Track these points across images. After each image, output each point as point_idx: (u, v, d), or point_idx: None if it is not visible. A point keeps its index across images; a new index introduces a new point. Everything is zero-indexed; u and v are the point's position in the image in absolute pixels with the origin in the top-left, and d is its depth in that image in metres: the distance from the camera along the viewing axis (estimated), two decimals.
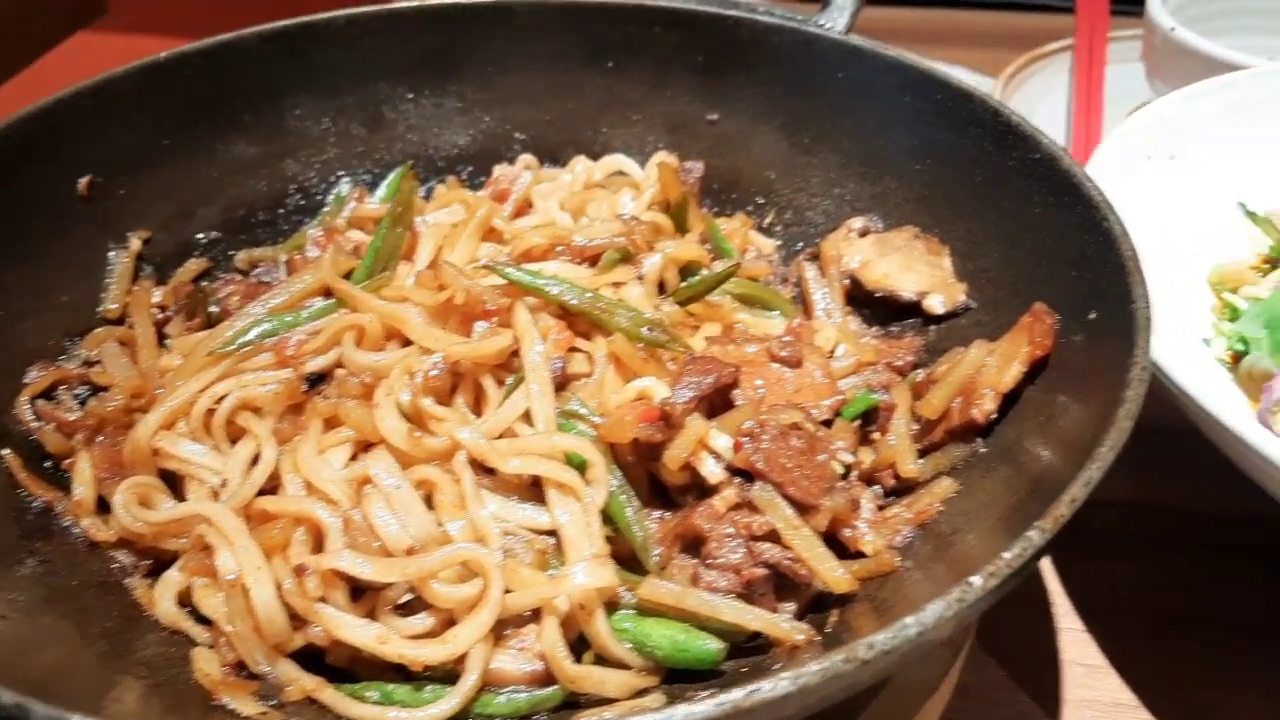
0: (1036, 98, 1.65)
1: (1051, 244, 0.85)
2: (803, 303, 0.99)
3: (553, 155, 1.15)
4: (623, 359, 0.82)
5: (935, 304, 0.92)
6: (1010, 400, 0.80)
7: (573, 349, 0.83)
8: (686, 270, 0.93)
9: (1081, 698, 0.89)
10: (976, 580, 0.53)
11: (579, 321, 0.84)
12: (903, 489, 0.80)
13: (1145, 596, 0.95)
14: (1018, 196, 0.89)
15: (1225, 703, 0.87)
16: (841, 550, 0.75)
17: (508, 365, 0.82)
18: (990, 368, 0.80)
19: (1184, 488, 1.02)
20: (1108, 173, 1.01)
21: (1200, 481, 0.98)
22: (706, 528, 0.73)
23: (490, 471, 0.76)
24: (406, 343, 0.84)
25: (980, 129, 0.94)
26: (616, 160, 1.11)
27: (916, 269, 0.95)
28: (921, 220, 0.98)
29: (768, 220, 1.09)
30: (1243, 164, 1.14)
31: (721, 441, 0.76)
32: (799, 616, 0.73)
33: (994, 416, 0.78)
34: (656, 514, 0.78)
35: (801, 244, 1.05)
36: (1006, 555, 0.55)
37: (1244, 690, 0.88)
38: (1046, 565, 0.99)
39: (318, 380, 0.84)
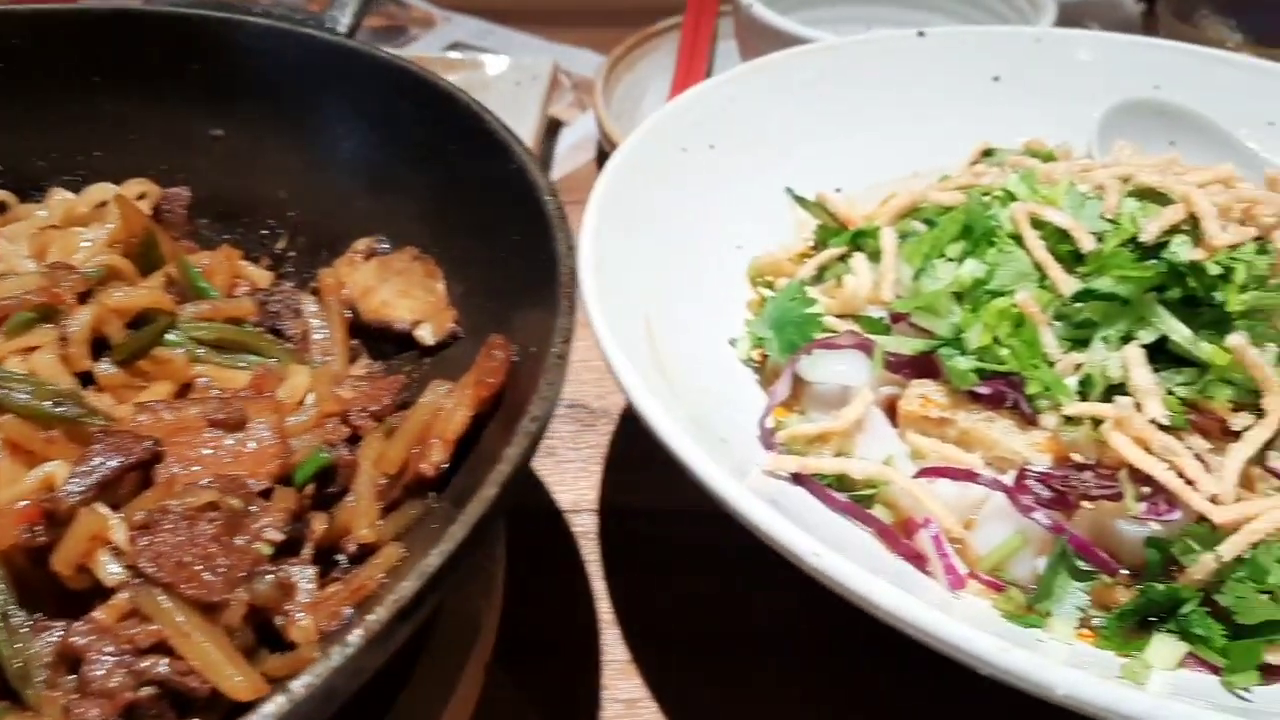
0: (649, 79, 1.61)
1: (522, 265, 0.77)
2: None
3: (38, 186, 0.99)
4: (20, 443, 0.70)
5: (425, 334, 0.84)
6: (474, 442, 0.73)
7: None
8: (143, 320, 0.81)
9: None
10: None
11: None
12: (366, 555, 0.72)
13: (697, 616, 0.91)
14: (498, 212, 0.82)
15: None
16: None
17: None
18: (444, 412, 0.72)
19: None
20: (629, 173, 0.95)
21: None
22: (83, 644, 0.62)
23: None
24: None
25: (466, 136, 0.86)
26: (102, 190, 0.96)
27: (414, 295, 0.86)
28: (423, 238, 0.90)
29: (281, 245, 0.98)
30: (791, 147, 1.11)
31: (123, 535, 0.65)
32: None
33: (445, 466, 0.71)
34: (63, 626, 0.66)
35: (314, 271, 0.95)
36: (297, 684, 0.46)
37: (801, 708, 0.84)
38: (600, 589, 0.94)
39: None
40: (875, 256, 0.95)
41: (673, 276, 0.93)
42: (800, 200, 1.08)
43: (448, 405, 0.72)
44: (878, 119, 1.15)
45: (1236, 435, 0.75)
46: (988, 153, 1.13)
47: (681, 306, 0.91)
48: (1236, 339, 0.74)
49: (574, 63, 1.75)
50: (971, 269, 0.83)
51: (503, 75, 1.50)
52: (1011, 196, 0.86)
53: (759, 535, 0.64)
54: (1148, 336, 0.77)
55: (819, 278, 0.98)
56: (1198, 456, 0.74)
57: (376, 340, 0.89)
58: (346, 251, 0.92)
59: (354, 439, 0.77)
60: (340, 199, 0.96)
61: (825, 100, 1.14)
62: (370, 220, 0.94)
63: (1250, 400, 0.76)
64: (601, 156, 1.51)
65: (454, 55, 1.55)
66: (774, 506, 0.72)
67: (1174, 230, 0.78)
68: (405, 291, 0.86)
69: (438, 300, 0.85)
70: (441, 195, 0.89)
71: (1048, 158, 1.10)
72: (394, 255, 0.90)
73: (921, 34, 1.18)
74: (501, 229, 0.81)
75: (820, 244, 1.04)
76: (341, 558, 0.73)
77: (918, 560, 0.75)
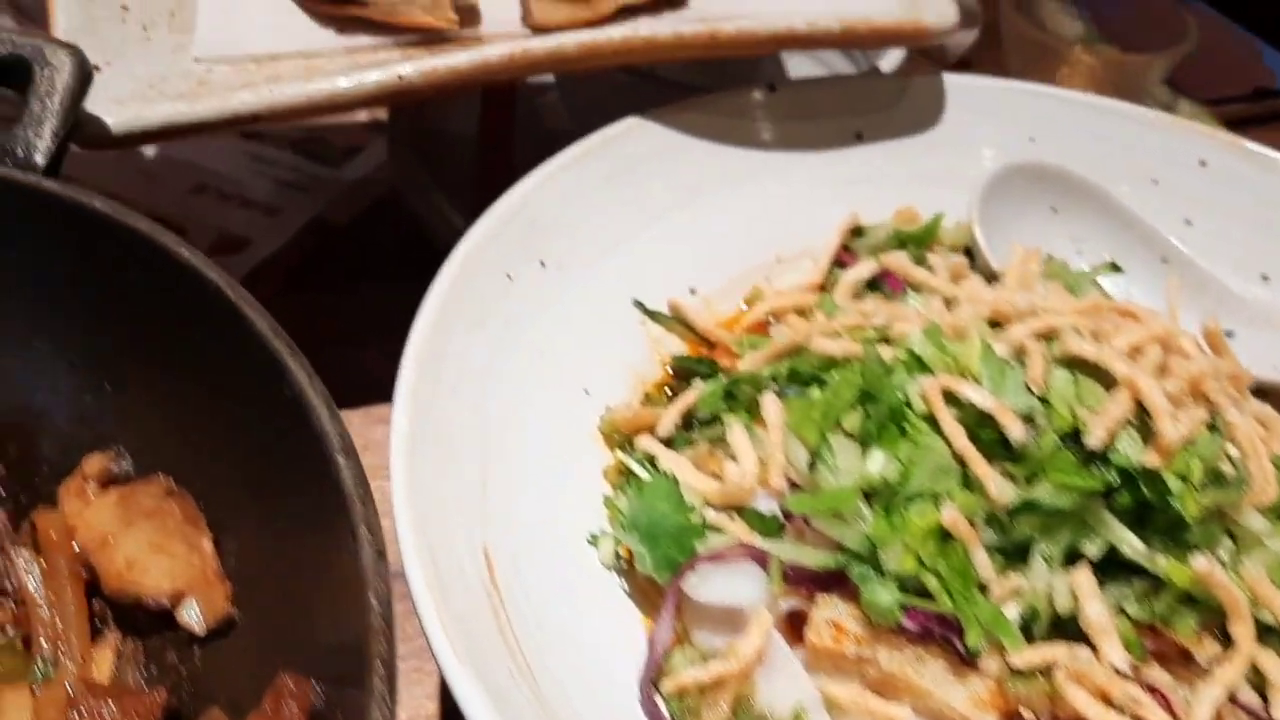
0: None
1: (315, 543, 0.58)
2: None
3: None
4: None
5: (192, 619, 0.62)
6: None
7: None
8: None
9: None
10: None
11: None
12: None
13: None
14: (276, 453, 0.61)
15: None
16: None
17: None
18: None
19: None
20: (443, 339, 0.75)
21: None
22: None
23: None
24: None
25: (220, 331, 0.64)
26: None
27: (171, 551, 0.64)
28: (174, 456, 0.68)
29: None
30: (634, 244, 0.93)
31: None
32: None
33: None
34: None
35: (28, 498, 0.71)
36: None
37: None
38: None
39: None
40: (753, 408, 0.79)
41: (513, 468, 0.74)
42: (651, 314, 0.90)
43: None
44: (729, 195, 0.98)
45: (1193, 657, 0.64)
46: (857, 231, 0.99)
47: (526, 505, 0.73)
48: (1203, 564, 0.62)
49: None
50: (881, 465, 0.68)
51: None
52: (916, 359, 0.71)
53: None
54: (1094, 550, 0.65)
55: (686, 429, 0.81)
56: (1163, 697, 0.62)
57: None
58: (75, 472, 0.70)
59: None
60: (60, 393, 0.72)
61: (667, 178, 0.96)
62: (102, 424, 0.71)
63: (1214, 619, 0.65)
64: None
65: None
66: None
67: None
68: (160, 545, 0.65)
69: (204, 564, 0.64)
70: (196, 403, 0.67)
71: (922, 237, 0.97)
72: (140, 486, 0.67)
73: (772, 88, 1.01)
74: (281, 474, 0.61)
75: (680, 374, 0.87)
76: None
77: None
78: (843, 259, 0.97)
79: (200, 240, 1.20)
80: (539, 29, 0.92)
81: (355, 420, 1.01)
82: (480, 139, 1.12)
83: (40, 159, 0.72)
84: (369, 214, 1.29)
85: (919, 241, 0.97)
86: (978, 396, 0.67)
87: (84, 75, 0.75)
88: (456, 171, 1.20)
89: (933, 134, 1.04)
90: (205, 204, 1.25)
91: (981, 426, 0.68)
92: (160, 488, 0.67)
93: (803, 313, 0.91)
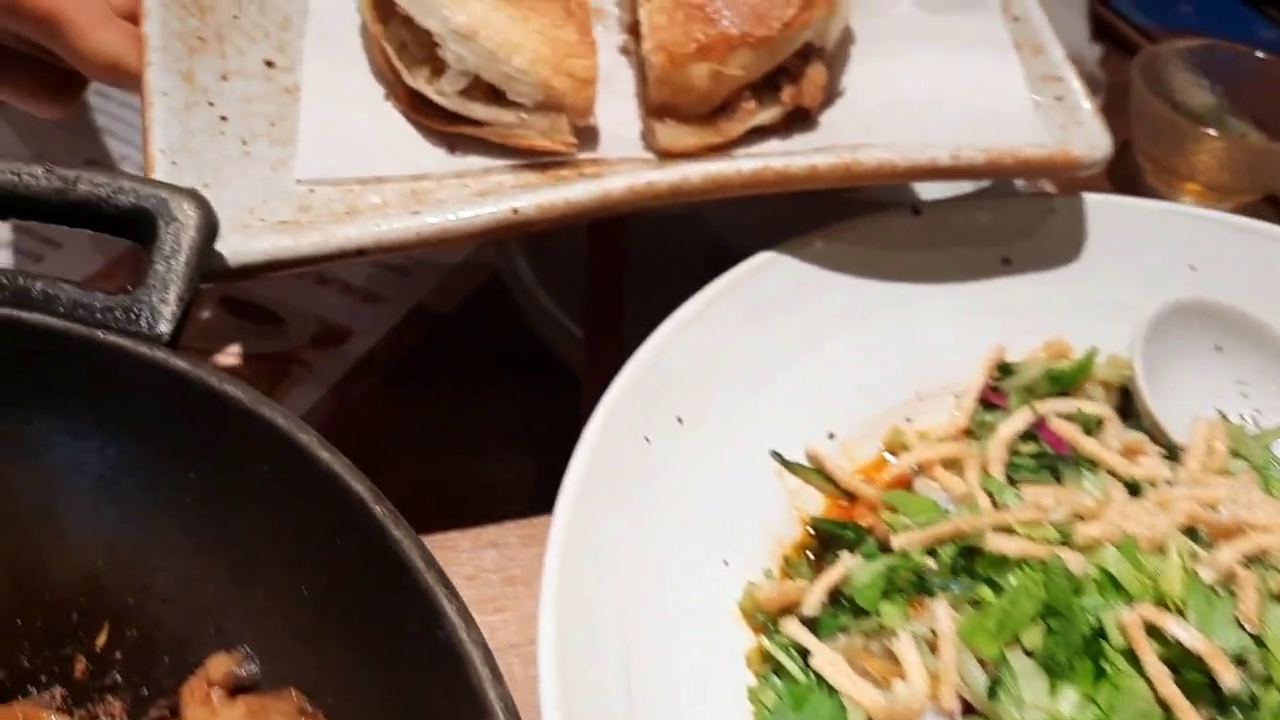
0: None
1: None
2: None
3: None
4: None
5: None
6: None
7: None
8: None
9: None
10: None
11: None
12: None
13: None
14: (422, 687, 0.57)
15: None
16: None
17: None
18: None
19: None
20: (581, 516, 0.70)
21: None
22: None
23: None
24: None
25: (363, 547, 0.59)
26: None
27: None
28: (307, 668, 0.63)
29: (100, 642, 0.70)
30: (770, 388, 0.87)
31: None
32: None
33: None
34: None
35: (149, 690, 0.68)
36: None
37: None
38: None
39: None
40: (906, 587, 0.73)
41: (656, 665, 0.69)
42: (789, 465, 0.85)
43: None
44: (867, 329, 0.92)
45: None
46: (1004, 366, 0.93)
47: (671, 711, 0.68)
48: None
49: None
50: (1074, 706, 0.62)
51: None
52: (1110, 579, 0.65)
53: None
54: None
55: (834, 613, 0.75)
56: None
57: None
58: (198, 671, 0.65)
59: None
60: (182, 580, 0.68)
61: (803, 315, 0.89)
62: (228, 620, 0.67)
63: None
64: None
65: None
66: None
67: None
68: None
69: None
70: (332, 613, 0.63)
71: (1075, 375, 0.91)
72: (270, 702, 0.63)
73: (916, 211, 0.94)
74: (422, 698, 0.57)
75: (821, 538, 0.82)
76: None
77: None
78: (988, 398, 0.91)
79: (301, 332, 1.16)
80: (663, 154, 0.87)
81: (464, 544, 0.97)
82: (590, 235, 1.07)
83: (164, 327, 0.67)
84: (472, 299, 1.24)
85: (1072, 379, 0.91)
86: (1186, 635, 0.61)
87: (209, 230, 0.70)
88: (560, 257, 1.16)
89: (1084, 260, 0.97)
90: (303, 290, 1.21)
91: (1185, 665, 0.62)
92: (292, 705, 0.62)
93: (950, 465, 0.85)
